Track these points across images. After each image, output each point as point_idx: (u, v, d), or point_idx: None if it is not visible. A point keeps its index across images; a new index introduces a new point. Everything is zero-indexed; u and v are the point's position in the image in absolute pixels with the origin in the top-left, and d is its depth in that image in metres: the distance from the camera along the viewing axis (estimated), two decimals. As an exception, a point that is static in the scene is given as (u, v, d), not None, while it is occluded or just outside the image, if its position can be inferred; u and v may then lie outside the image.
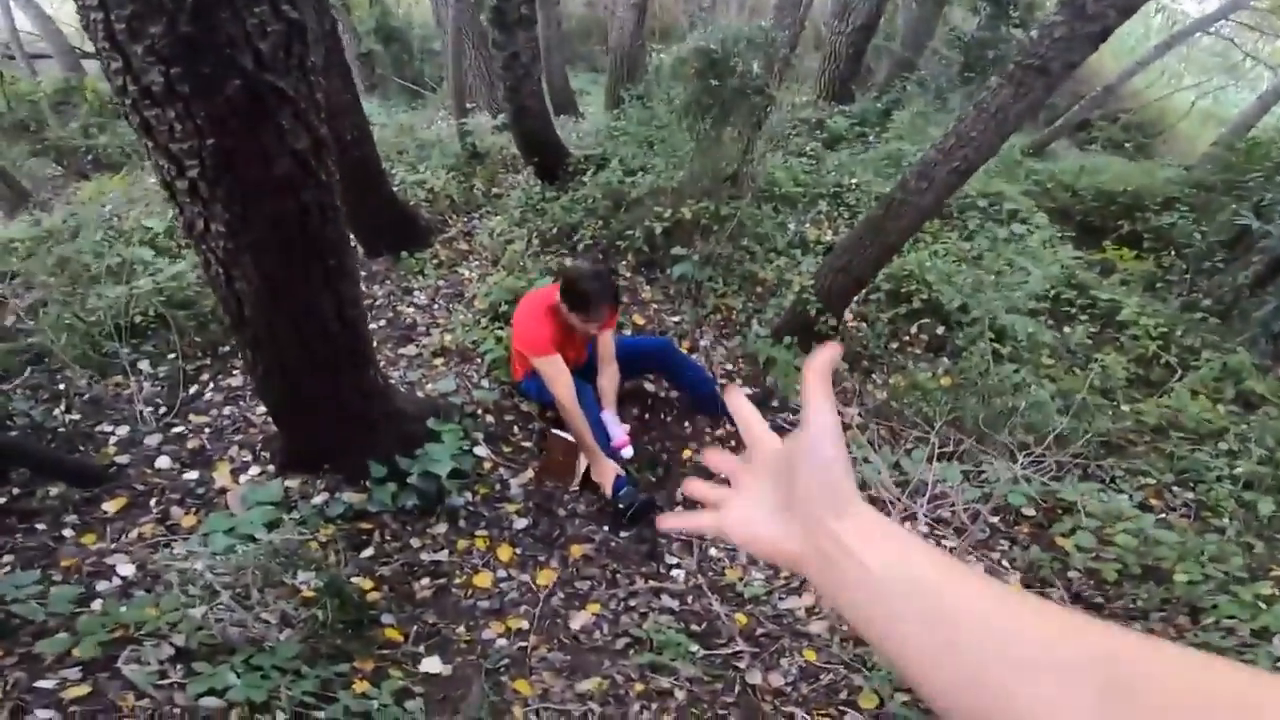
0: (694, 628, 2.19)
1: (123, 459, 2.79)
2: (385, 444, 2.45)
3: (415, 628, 2.06)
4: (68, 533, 2.35)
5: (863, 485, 2.90)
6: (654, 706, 1.89)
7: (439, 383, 2.92)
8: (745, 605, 2.29)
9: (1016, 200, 5.41)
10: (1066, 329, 4.43)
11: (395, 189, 4.63)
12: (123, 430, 2.95)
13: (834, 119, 6.84)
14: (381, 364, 2.77)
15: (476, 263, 4.15)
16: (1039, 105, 3.06)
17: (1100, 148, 9.04)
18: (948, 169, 3.13)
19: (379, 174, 4.29)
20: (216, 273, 1.91)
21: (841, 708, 1.99)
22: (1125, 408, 3.61)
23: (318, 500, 2.46)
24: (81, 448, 2.86)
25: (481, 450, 2.65)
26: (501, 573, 2.30)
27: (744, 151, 4.28)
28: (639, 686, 1.95)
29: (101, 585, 2.16)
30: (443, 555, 2.32)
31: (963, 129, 3.05)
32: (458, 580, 2.26)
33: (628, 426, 2.86)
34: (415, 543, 2.36)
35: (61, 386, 3.16)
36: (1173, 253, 5.46)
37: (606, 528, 2.51)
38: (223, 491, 2.57)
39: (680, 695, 1.94)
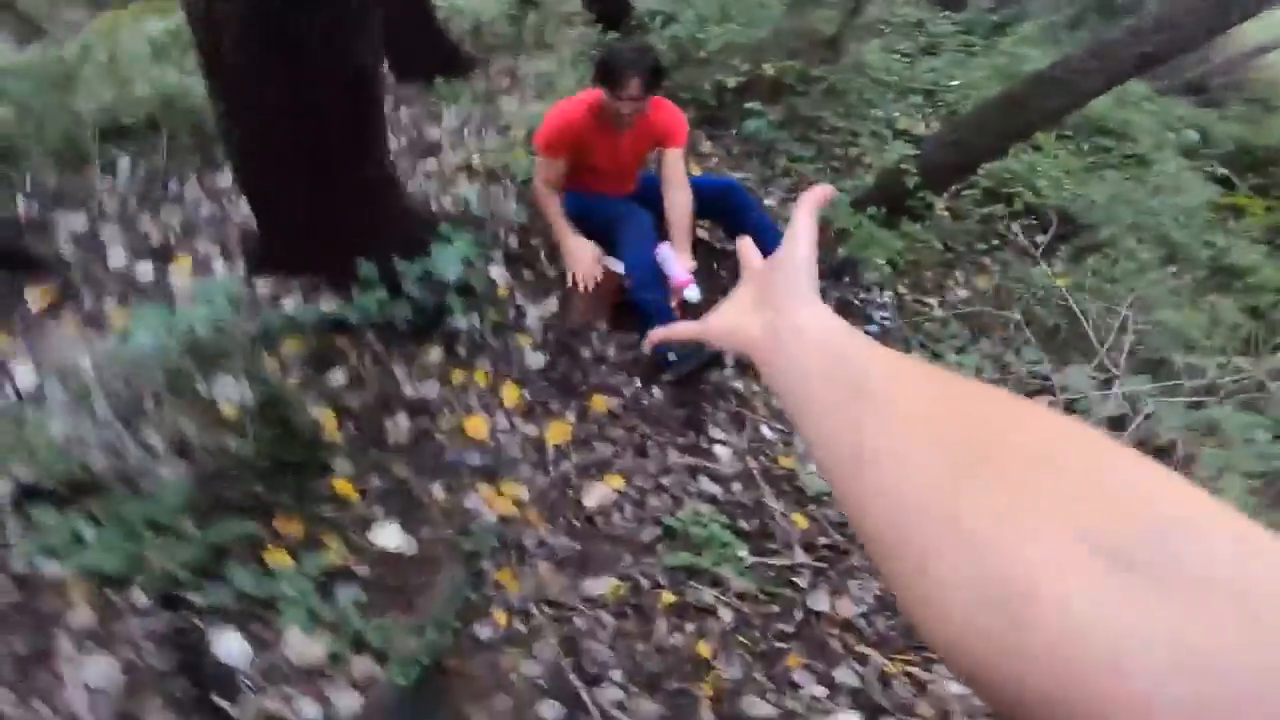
0: (742, 524, 1.58)
1: (68, 250, 2.22)
2: (383, 242, 1.83)
3: (376, 481, 1.47)
4: (-31, 329, 1.79)
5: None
6: (689, 628, 1.29)
7: (458, 190, 2.25)
8: (806, 505, 1.67)
9: (1146, 129, 4.51)
10: (1172, 268, 3.67)
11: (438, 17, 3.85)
12: (78, 220, 2.36)
13: (937, 23, 5.80)
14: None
15: (518, 96, 3.41)
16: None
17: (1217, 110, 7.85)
18: (1135, 51, 2.48)
19: (420, -12, 3.53)
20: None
21: (929, 655, 1.38)
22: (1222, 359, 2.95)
23: (289, 306, 1.85)
24: (27, 237, 2.29)
25: (498, 271, 2.01)
26: (502, 420, 1.71)
27: (851, 11, 3.43)
28: (669, 597, 1.35)
29: (-9, 397, 1.60)
30: (431, 389, 1.73)
31: (1167, 10, 2.45)
32: (445, 424, 1.67)
33: (693, 263, 2.09)
34: (399, 370, 1.77)
35: (27, 178, 2.58)
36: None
37: (639, 381, 1.88)
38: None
39: (726, 616, 1.33)
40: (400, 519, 1.48)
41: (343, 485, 1.49)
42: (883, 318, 2.45)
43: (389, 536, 1.44)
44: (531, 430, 1.71)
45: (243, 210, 2.36)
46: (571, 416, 1.77)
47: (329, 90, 1.59)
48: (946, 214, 3.32)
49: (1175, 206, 3.72)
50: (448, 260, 1.71)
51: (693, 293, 1.98)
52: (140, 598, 1.17)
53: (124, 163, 2.79)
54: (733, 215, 2.29)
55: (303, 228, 1.87)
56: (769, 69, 3.42)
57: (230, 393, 1.33)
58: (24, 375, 1.65)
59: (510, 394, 1.76)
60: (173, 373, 1.32)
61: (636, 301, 1.98)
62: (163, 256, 2.20)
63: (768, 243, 2.26)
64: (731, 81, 3.40)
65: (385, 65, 3.68)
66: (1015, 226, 3.27)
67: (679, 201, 2.10)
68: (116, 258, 2.21)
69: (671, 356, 1.87)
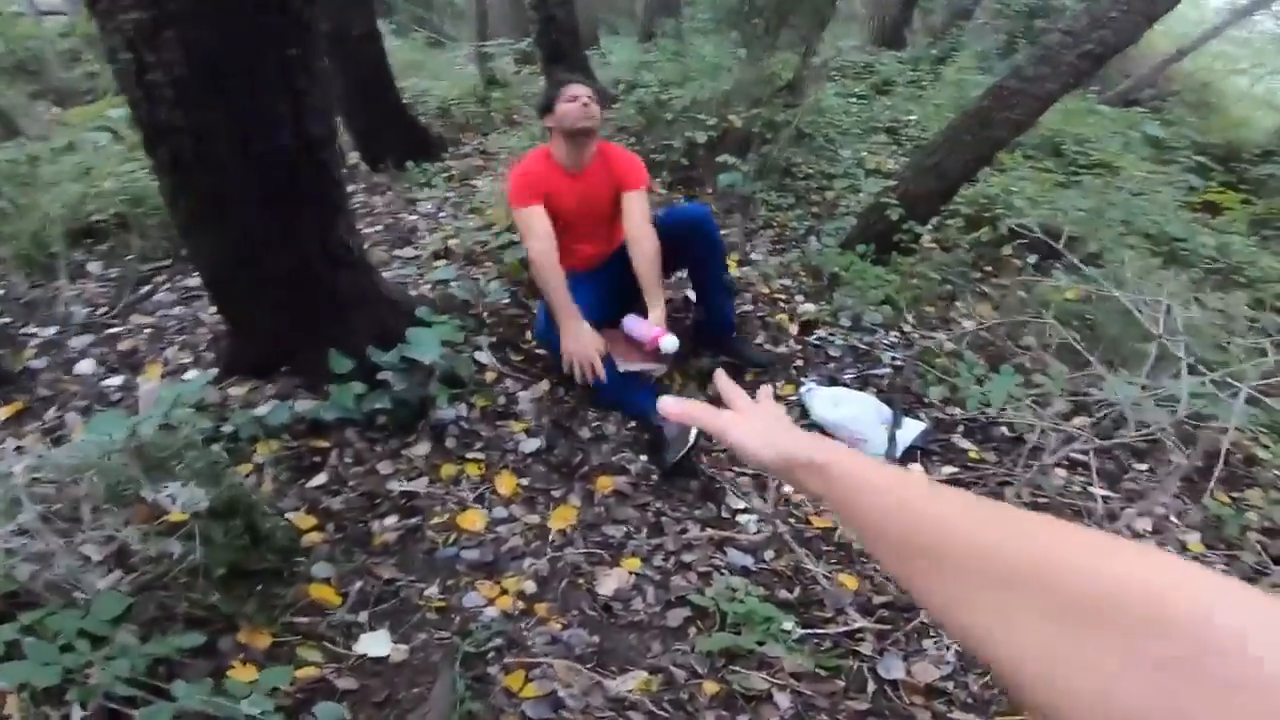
0: (783, 594, 1.39)
1: (38, 363, 2.09)
2: (357, 334, 1.68)
3: (360, 584, 1.27)
4: (-74, 445, 1.62)
5: (984, 410, 2.08)
6: (742, 721, 1.08)
7: (437, 272, 2.12)
8: (852, 564, 1.47)
9: (1105, 139, 4.52)
10: (1168, 270, 3.56)
11: (405, 101, 3.84)
12: (49, 331, 2.23)
13: (884, 63, 5.93)
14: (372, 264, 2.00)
15: (492, 177, 3.35)
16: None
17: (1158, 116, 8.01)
18: (1077, 52, 2.47)
19: (386, 77, 3.53)
20: (125, 61, 1.33)
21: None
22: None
23: (262, 410, 1.68)
24: (-1, 350, 2.15)
25: (484, 356, 1.85)
26: (500, 511, 1.52)
27: (805, 54, 3.43)
28: (711, 687, 1.14)
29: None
30: (419, 484, 1.55)
31: (1099, 8, 2.43)
32: (436, 520, 1.48)
33: (662, 312, 1.91)
34: (384, 468, 1.58)
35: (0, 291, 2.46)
36: (1280, 200, 4.53)
37: (645, 457, 1.70)
38: (144, 398, 1.82)
39: (784, 701, 1.12)
40: (389, 623, 1.28)
41: (321, 590, 1.29)
42: (893, 358, 2.30)
43: (375, 643, 1.24)
44: (533, 519, 1.51)
45: (213, 310, 2.23)
46: (576, 500, 1.57)
47: (287, 163, 1.46)
48: (935, 246, 3.23)
49: (1159, 205, 3.67)
50: (425, 345, 1.55)
51: (669, 343, 1.83)
52: (77, 713, 0.96)
53: (94, 266, 2.68)
54: (695, 264, 2.12)
55: (268, 319, 1.72)
56: (735, 120, 3.38)
57: (178, 496, 1.15)
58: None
59: (507, 483, 1.57)
60: (114, 478, 1.14)
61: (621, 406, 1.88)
62: (132, 365, 2.05)
63: (717, 317, 2.11)
64: (702, 137, 3.35)
65: (357, 155, 3.66)
66: (1007, 248, 3.18)
67: (643, 252, 1.94)
68: (84, 367, 2.06)
69: (669, 457, 1.67)
